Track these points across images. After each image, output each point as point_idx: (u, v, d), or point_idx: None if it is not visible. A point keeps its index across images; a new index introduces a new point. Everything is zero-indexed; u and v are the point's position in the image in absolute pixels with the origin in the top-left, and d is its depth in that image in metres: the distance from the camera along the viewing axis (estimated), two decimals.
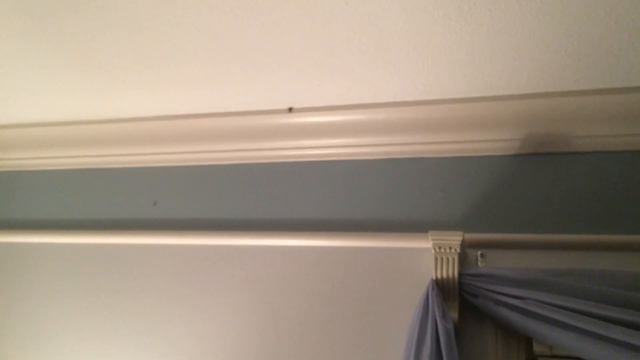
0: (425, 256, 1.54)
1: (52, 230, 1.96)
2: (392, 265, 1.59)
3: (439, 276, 1.44)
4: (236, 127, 1.86)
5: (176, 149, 1.95)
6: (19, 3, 1.45)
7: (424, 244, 1.52)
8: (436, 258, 1.46)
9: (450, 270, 1.44)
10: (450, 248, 1.45)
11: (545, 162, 1.61)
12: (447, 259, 1.45)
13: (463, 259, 1.53)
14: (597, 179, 1.55)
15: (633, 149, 1.55)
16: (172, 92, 1.78)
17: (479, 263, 1.53)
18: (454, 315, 1.43)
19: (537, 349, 1.38)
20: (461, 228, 1.57)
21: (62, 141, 2.03)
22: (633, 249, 1.44)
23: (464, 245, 1.50)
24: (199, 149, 1.93)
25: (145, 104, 1.86)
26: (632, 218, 1.49)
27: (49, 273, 1.91)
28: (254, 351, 1.61)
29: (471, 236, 1.54)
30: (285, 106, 1.77)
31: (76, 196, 2.03)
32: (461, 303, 1.46)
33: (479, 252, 1.55)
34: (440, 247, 1.46)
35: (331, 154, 1.80)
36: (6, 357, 1.83)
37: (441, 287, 1.44)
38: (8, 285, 1.94)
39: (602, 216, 1.51)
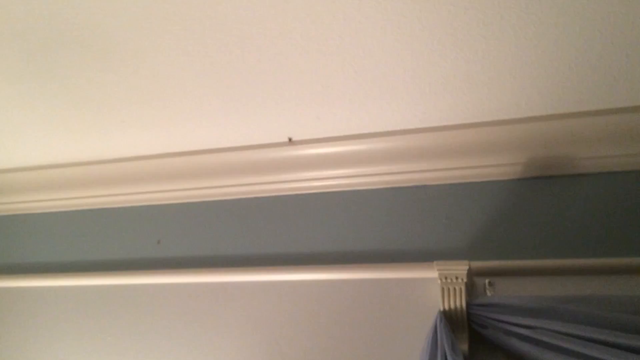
0: (431, 286, 1.51)
1: (56, 273, 1.95)
2: (398, 297, 1.56)
3: (446, 307, 1.41)
4: (236, 162, 1.85)
5: (178, 186, 1.94)
6: (16, 48, 1.46)
7: (430, 273, 1.49)
8: (442, 289, 1.42)
9: (458, 301, 1.40)
10: (456, 278, 1.42)
11: (549, 185, 1.58)
12: (454, 289, 1.42)
13: (471, 288, 1.49)
14: (604, 200, 1.52)
15: (638, 169, 1.52)
16: (171, 130, 1.78)
17: (487, 292, 1.50)
18: (464, 347, 1.40)
19: None
20: (467, 256, 1.55)
21: (63, 183, 2.03)
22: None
23: (471, 274, 1.47)
24: (200, 185, 1.92)
25: (145, 143, 1.86)
26: None
27: (54, 316, 1.89)
28: None
29: (478, 264, 1.51)
30: (285, 139, 1.76)
31: (79, 237, 2.03)
32: (471, 334, 1.42)
33: (487, 281, 1.52)
34: (446, 278, 1.43)
35: (333, 185, 1.78)
36: None
37: (449, 318, 1.41)
38: (14, 330, 1.92)
39: (611, 239, 1.48)
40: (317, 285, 1.66)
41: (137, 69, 1.51)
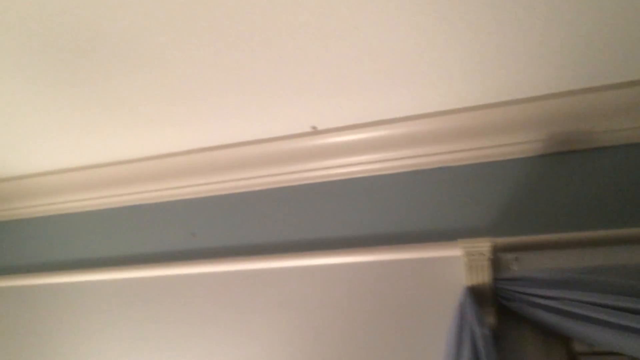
0: (457, 264, 1.56)
1: (98, 268, 2.05)
2: (425, 275, 1.62)
3: (472, 283, 1.46)
4: (263, 154, 1.92)
5: (209, 179, 2.02)
6: (46, 56, 1.55)
7: (454, 252, 1.54)
8: (468, 266, 1.48)
9: (483, 277, 1.46)
10: (481, 254, 1.47)
11: (569, 160, 1.62)
12: (479, 265, 1.47)
13: (497, 263, 1.54)
14: (622, 172, 1.55)
15: None
16: (198, 126, 1.86)
17: (514, 267, 1.54)
18: (491, 320, 1.45)
19: (577, 347, 1.39)
20: (491, 233, 1.59)
21: (100, 183, 2.14)
22: None
23: (496, 250, 1.52)
24: (231, 178, 2.00)
25: (173, 140, 1.94)
26: None
27: (99, 309, 2.00)
28: None
29: (503, 240, 1.56)
30: (308, 129, 1.82)
31: (118, 234, 2.13)
32: (498, 308, 1.47)
33: (513, 256, 1.56)
34: (471, 255, 1.48)
35: (357, 171, 1.84)
36: None
37: (475, 293, 1.46)
38: (62, 324, 2.04)
39: (631, 209, 1.51)
40: (347, 268, 1.72)
41: (162, 70, 1.59)
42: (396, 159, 1.79)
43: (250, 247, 1.90)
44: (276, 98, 1.68)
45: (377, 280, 1.67)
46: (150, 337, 1.89)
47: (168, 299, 1.92)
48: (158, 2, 1.34)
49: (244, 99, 1.70)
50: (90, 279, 2.05)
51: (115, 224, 2.15)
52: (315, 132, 1.84)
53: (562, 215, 1.57)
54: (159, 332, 1.88)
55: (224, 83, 1.63)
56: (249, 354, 1.73)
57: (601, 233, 1.49)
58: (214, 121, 1.83)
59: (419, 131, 1.75)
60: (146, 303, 1.95)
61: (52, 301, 2.11)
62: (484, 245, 1.47)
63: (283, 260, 1.81)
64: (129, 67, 1.58)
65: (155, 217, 2.10)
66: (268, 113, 1.76)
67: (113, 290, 2.01)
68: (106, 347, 1.93)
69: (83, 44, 1.50)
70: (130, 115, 1.82)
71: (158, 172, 2.06)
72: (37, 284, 2.15)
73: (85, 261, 2.13)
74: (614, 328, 1.28)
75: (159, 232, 2.06)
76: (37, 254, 2.26)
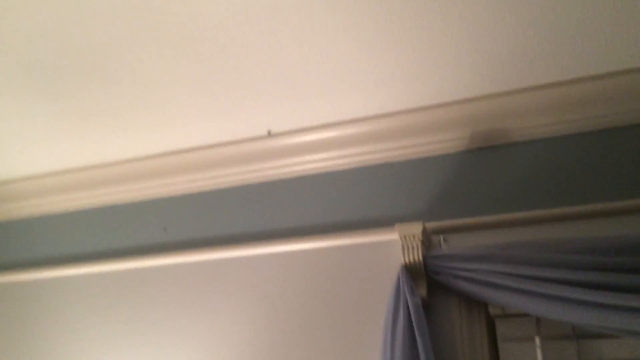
0: (396, 246, 1.80)
1: (78, 264, 2.26)
2: (371, 257, 1.86)
3: (407, 261, 1.71)
4: (226, 155, 2.15)
5: (178, 179, 2.24)
6: (25, 66, 1.76)
7: (394, 236, 1.78)
8: (403, 246, 1.72)
9: (416, 255, 1.70)
10: (414, 236, 1.72)
11: (489, 154, 1.88)
12: (413, 245, 1.71)
13: (428, 244, 1.79)
14: (535, 163, 1.81)
15: (562, 134, 1.81)
16: (165, 131, 2.07)
17: (442, 246, 1.79)
18: (423, 292, 1.70)
19: (492, 311, 1.64)
20: (425, 218, 1.84)
21: (76, 186, 2.36)
22: (570, 219, 1.70)
23: (427, 232, 1.76)
24: (198, 177, 2.22)
25: (145, 144, 2.16)
26: (567, 193, 1.75)
27: (79, 302, 2.20)
28: (263, 342, 1.89)
29: (434, 224, 1.82)
30: (265, 133, 2.06)
31: (95, 232, 2.34)
32: (428, 281, 1.72)
33: (442, 237, 1.82)
34: (406, 237, 1.72)
35: (310, 168, 2.08)
36: None
37: (410, 270, 1.71)
38: (39, 318, 2.24)
39: (542, 194, 1.77)
40: (302, 255, 1.96)
41: (131, 81, 1.81)
42: (344, 157, 2.04)
43: (217, 238, 2.12)
44: (235, 104, 1.91)
45: (329, 264, 1.91)
46: (126, 325, 2.09)
47: (142, 289, 2.13)
48: (126, 24, 1.56)
49: (205, 106, 1.93)
50: (70, 274, 2.25)
51: (94, 222, 2.36)
52: (271, 135, 2.07)
53: (483, 201, 1.83)
54: (134, 320, 2.09)
55: (188, 93, 1.86)
56: (218, 336, 1.95)
57: (517, 215, 1.75)
58: (180, 127, 2.05)
59: (363, 132, 1.99)
60: (122, 293, 2.16)
61: (33, 296, 2.30)
62: (416, 228, 1.72)
63: (246, 249, 2.04)
64: (102, 80, 1.80)
65: (129, 215, 2.31)
66: (228, 118, 1.99)
67: (92, 284, 2.21)
68: (86, 335, 2.13)
69: (62, 62, 1.72)
70: (104, 123, 2.03)
71: (131, 174, 2.27)
72: (18, 280, 2.35)
73: (65, 258, 2.33)
74: (521, 293, 1.53)
75: (134, 228, 2.27)
76: (17, 253, 2.45)
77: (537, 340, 1.54)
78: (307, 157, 2.08)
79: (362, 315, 1.81)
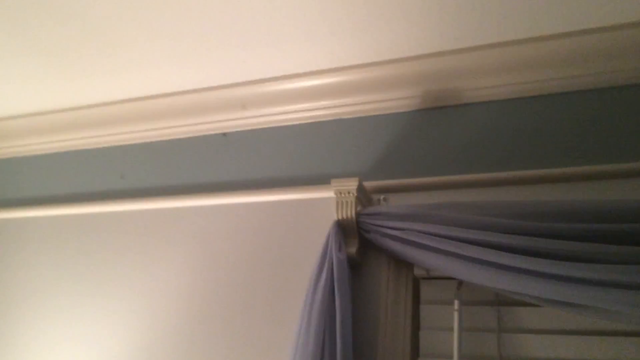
0: (333, 203, 1.77)
1: (37, 206, 2.29)
2: (308, 213, 1.84)
3: (340, 217, 1.67)
4: (183, 104, 2.13)
5: (136, 128, 2.23)
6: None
7: (331, 193, 1.75)
8: (337, 202, 1.68)
9: (349, 212, 1.66)
10: (348, 192, 1.68)
11: (441, 114, 1.81)
12: (347, 202, 1.67)
13: (367, 203, 1.75)
14: (487, 125, 1.74)
15: (513, 97, 1.73)
16: (126, 77, 2.05)
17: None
18: (353, 250, 1.66)
19: (417, 272, 1.60)
20: (368, 177, 1.80)
21: (36, 130, 2.37)
22: (513, 183, 1.64)
23: (365, 190, 1.73)
24: (155, 127, 2.21)
25: (104, 90, 2.15)
26: (514, 157, 1.68)
27: (37, 243, 2.24)
28: (200, 292, 1.89)
29: (376, 183, 1.78)
30: (218, 83, 2.03)
31: (55, 176, 2.36)
32: (361, 241, 1.68)
33: (382, 197, 1.78)
34: (340, 193, 1.68)
35: (263, 121, 2.05)
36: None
37: (342, 227, 1.67)
38: (7, 255, 2.28)
39: (490, 157, 1.70)
40: (244, 207, 1.94)
41: (89, 20, 1.77)
42: (294, 112, 2.00)
43: (170, 188, 2.12)
44: (191, 52, 1.88)
45: (268, 218, 1.89)
46: (74, 268, 2.12)
47: (95, 234, 2.15)
48: None
49: (164, 52, 1.90)
50: (27, 215, 2.29)
51: (53, 167, 2.38)
52: (229, 85, 2.04)
53: (429, 163, 1.77)
54: (82, 263, 2.11)
55: (147, 38, 1.83)
56: (161, 283, 1.96)
57: (460, 177, 1.69)
58: (138, 73, 2.03)
59: (315, 86, 1.94)
60: (79, 237, 2.18)
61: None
62: (351, 184, 1.67)
63: (195, 200, 2.03)
64: (59, 18, 1.77)
65: (89, 161, 2.31)
66: (186, 66, 1.96)
67: (47, 226, 2.24)
68: (37, 276, 2.17)
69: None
70: (63, 64, 2.01)
71: (90, 121, 2.27)
72: None
73: (22, 200, 2.36)
74: (444, 255, 1.48)
75: (92, 174, 2.29)
76: None
77: (456, 303, 1.50)
78: (260, 111, 2.04)
79: (298, 271, 1.79)
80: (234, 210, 1.96)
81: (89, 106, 2.24)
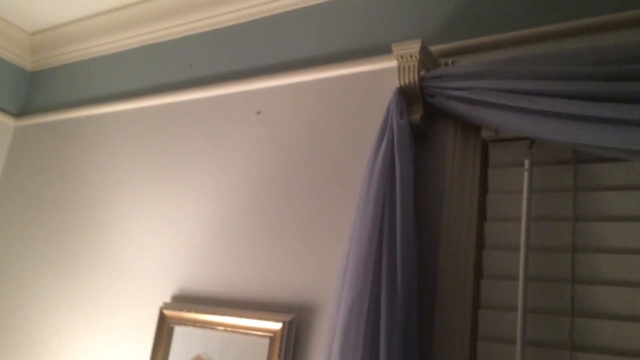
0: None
1: (116, 102, 2.38)
2: (372, 86, 1.75)
3: (402, 83, 1.56)
4: None
5: (201, 15, 2.21)
6: None
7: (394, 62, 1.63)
8: (399, 67, 1.57)
9: (412, 76, 1.55)
10: (410, 56, 1.55)
11: None
12: (409, 66, 1.56)
13: (431, 68, 1.61)
14: None
15: None
16: None
17: None
18: (416, 117, 1.56)
19: (485, 135, 1.48)
20: (436, 42, 1.66)
21: (106, 30, 2.46)
22: (593, 31, 1.43)
23: (430, 53, 1.59)
24: (219, 12, 2.17)
25: None
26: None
27: (111, 137, 2.35)
28: (266, 172, 1.89)
29: (443, 46, 1.64)
30: None
31: (126, 73, 2.44)
32: (425, 107, 1.57)
33: (450, 60, 1.63)
34: (402, 57, 1.57)
35: None
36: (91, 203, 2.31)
37: (405, 93, 1.57)
38: (80, 153, 2.43)
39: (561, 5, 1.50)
40: (313, 84, 1.88)
41: None
42: None
43: (236, 72, 2.10)
44: None
45: (332, 93, 1.83)
46: (157, 155, 2.19)
47: (171, 123, 2.20)
48: None
49: None
50: (106, 111, 2.41)
51: (124, 65, 2.46)
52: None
53: (498, 19, 1.59)
54: (164, 150, 2.18)
55: None
56: (230, 166, 1.98)
57: (529, 31, 1.52)
58: None
59: None
60: (153, 127, 2.24)
61: (75, 133, 2.50)
62: (414, 47, 1.55)
63: (260, 82, 2.00)
64: None
65: (157, 54, 2.34)
66: None
67: (124, 120, 2.34)
68: (122, 166, 2.27)
69: None
70: None
71: (158, 13, 2.28)
72: (59, 119, 2.57)
73: (100, 98, 2.46)
74: (515, 111, 1.35)
75: (161, 67, 2.31)
76: (58, 96, 2.67)
77: (527, 163, 1.37)
78: None
79: (361, 145, 1.72)
80: (296, 89, 1.91)
81: None
